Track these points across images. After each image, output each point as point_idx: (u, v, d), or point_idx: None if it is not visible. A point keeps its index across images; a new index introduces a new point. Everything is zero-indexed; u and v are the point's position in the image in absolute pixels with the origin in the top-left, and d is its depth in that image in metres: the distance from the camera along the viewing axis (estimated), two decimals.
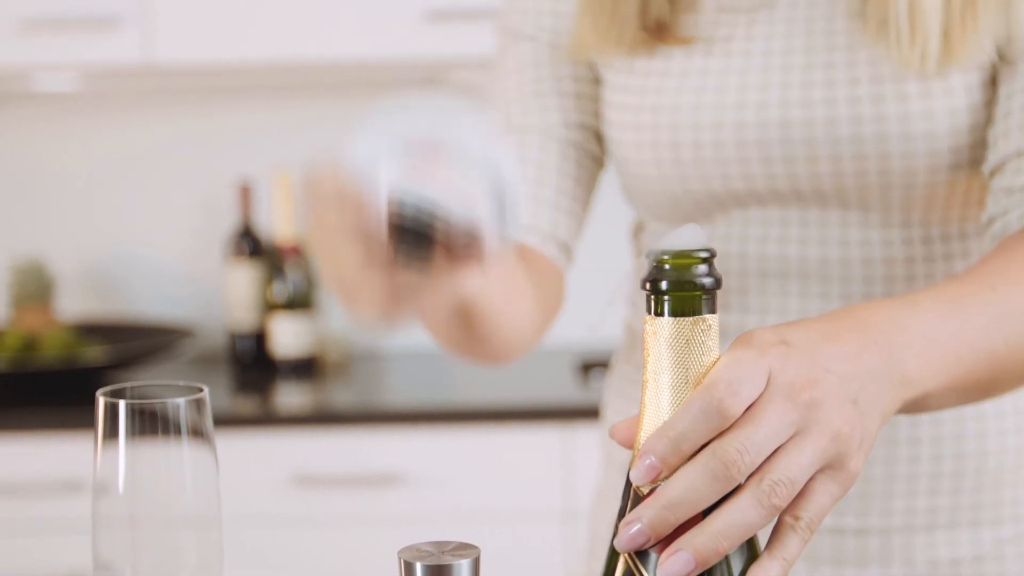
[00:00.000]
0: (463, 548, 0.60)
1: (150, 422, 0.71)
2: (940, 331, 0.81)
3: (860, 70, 0.99)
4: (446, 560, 0.58)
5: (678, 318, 0.68)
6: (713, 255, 0.69)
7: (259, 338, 2.58)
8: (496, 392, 2.38)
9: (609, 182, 1.16)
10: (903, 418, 1.03)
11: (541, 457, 2.23)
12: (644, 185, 1.06)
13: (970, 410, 1.04)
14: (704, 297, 0.69)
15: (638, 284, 1.12)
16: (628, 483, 0.70)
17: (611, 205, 1.32)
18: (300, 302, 2.53)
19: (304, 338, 2.53)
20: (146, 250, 2.71)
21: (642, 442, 0.69)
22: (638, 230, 1.15)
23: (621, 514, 0.69)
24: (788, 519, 0.71)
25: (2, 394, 2.39)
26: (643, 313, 1.11)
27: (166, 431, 0.71)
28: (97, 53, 2.38)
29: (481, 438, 2.24)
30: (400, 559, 0.59)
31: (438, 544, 0.60)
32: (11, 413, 2.29)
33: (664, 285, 0.69)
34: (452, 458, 2.25)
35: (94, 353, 2.42)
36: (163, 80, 2.66)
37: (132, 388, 0.72)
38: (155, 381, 0.73)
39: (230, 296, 2.59)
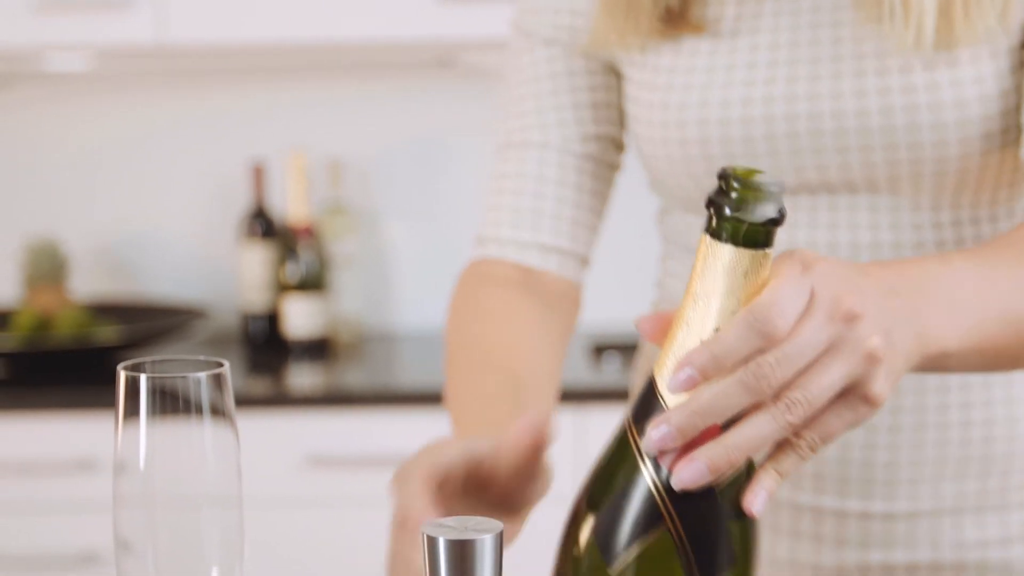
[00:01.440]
0: (486, 523, 0.60)
1: (171, 397, 0.71)
2: (967, 291, 0.82)
3: (867, 62, 0.99)
4: (469, 535, 0.58)
5: (739, 247, 0.68)
6: (783, 190, 0.69)
7: (272, 319, 2.58)
8: None
9: (628, 170, 1.16)
10: (931, 403, 1.03)
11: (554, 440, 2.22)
12: (667, 178, 1.07)
13: (1000, 394, 1.04)
14: (770, 232, 0.69)
15: (665, 268, 1.13)
16: (650, 383, 0.71)
17: (630, 191, 1.31)
18: (313, 283, 2.53)
19: (317, 319, 2.53)
20: (159, 230, 2.71)
21: (677, 352, 0.70)
22: (663, 215, 1.15)
23: (637, 413, 0.71)
24: (792, 437, 0.72)
25: (16, 373, 2.39)
26: (671, 296, 1.12)
27: (187, 407, 0.70)
28: (110, 33, 2.37)
29: None
30: (423, 534, 0.59)
31: (460, 519, 0.60)
32: (25, 392, 2.30)
33: (731, 212, 0.68)
34: None
35: (107, 333, 2.43)
36: (176, 60, 2.65)
37: (152, 363, 0.72)
38: (175, 356, 0.73)
39: (243, 277, 2.59)
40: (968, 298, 0.82)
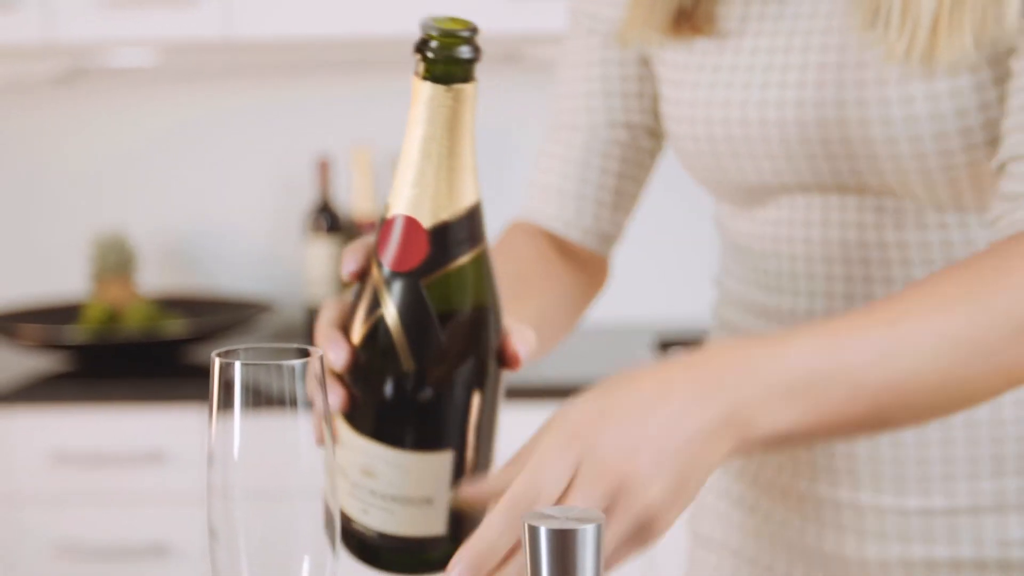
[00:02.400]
0: (587, 513, 0.59)
1: (264, 386, 0.71)
2: (805, 371, 0.82)
3: (847, 73, 0.99)
4: (570, 525, 0.58)
5: (436, 84, 0.79)
6: (475, 32, 0.78)
7: None
8: (575, 369, 2.37)
9: (675, 169, 1.16)
10: None
11: None
12: (693, 172, 1.09)
13: None
14: (465, 70, 0.79)
15: (723, 265, 1.14)
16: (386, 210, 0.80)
17: (698, 186, 1.30)
18: None
19: None
20: (225, 225, 2.73)
21: (400, 177, 0.79)
22: (716, 210, 1.15)
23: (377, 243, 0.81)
24: None
25: (84, 365, 2.41)
26: (728, 294, 1.13)
27: (281, 394, 0.70)
28: (177, 28, 2.39)
29: None
30: (524, 523, 0.58)
31: (562, 509, 0.59)
32: (93, 384, 2.32)
33: (431, 55, 0.78)
34: (529, 435, 2.24)
35: (174, 327, 2.44)
36: (242, 55, 2.67)
37: (245, 350, 0.71)
38: (267, 344, 0.73)
39: (308, 271, 2.60)
40: (807, 377, 0.82)
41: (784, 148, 1.02)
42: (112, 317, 2.50)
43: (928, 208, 1.01)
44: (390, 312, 0.78)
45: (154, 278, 2.72)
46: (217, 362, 0.71)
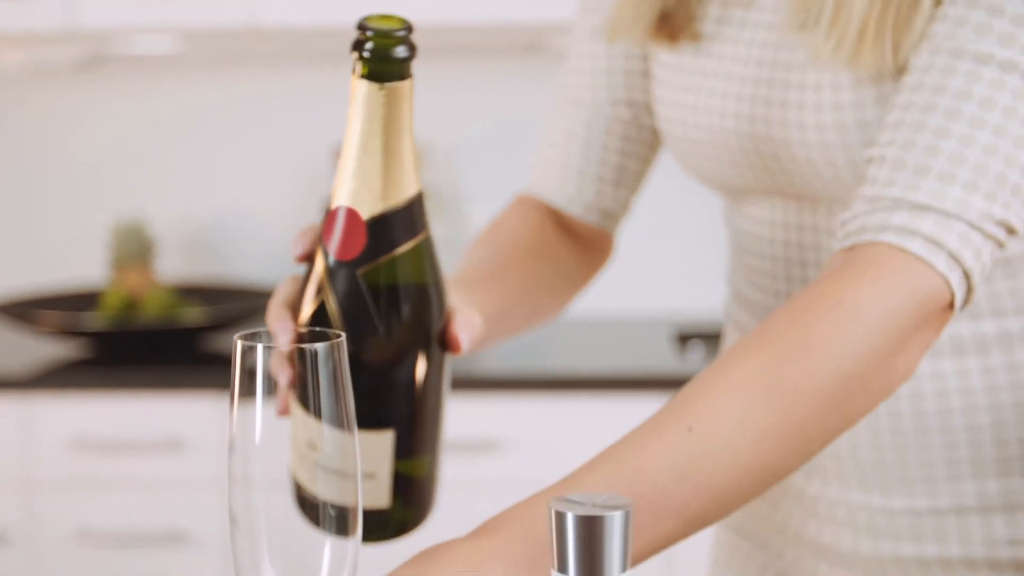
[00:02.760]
0: (614, 499, 0.58)
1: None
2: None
3: (790, 94, 0.99)
4: (598, 511, 0.57)
5: (371, 82, 0.80)
6: (410, 30, 0.80)
7: None
8: (593, 361, 2.37)
9: None
10: (930, 408, 1.02)
11: None
12: (685, 171, 1.11)
13: (1007, 398, 1.03)
14: (396, 70, 0.80)
15: (732, 261, 1.14)
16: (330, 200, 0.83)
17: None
18: None
19: None
20: (245, 213, 2.72)
21: (343, 173, 0.81)
22: (724, 208, 1.16)
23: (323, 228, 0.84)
24: None
25: (103, 352, 2.41)
26: (737, 291, 1.13)
27: (303, 379, 0.69)
28: (199, 15, 2.38)
29: (577, 406, 2.23)
30: (551, 509, 0.57)
31: (588, 495, 0.59)
32: (112, 371, 2.32)
33: (366, 55, 0.80)
34: (548, 426, 2.24)
35: (193, 314, 2.44)
36: (264, 43, 2.66)
37: (267, 333, 0.71)
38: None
39: None
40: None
41: (731, 155, 1.03)
42: (131, 304, 2.50)
43: None
44: (330, 299, 0.81)
45: (173, 265, 2.72)
46: (239, 345, 0.70)
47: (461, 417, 2.25)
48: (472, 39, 2.61)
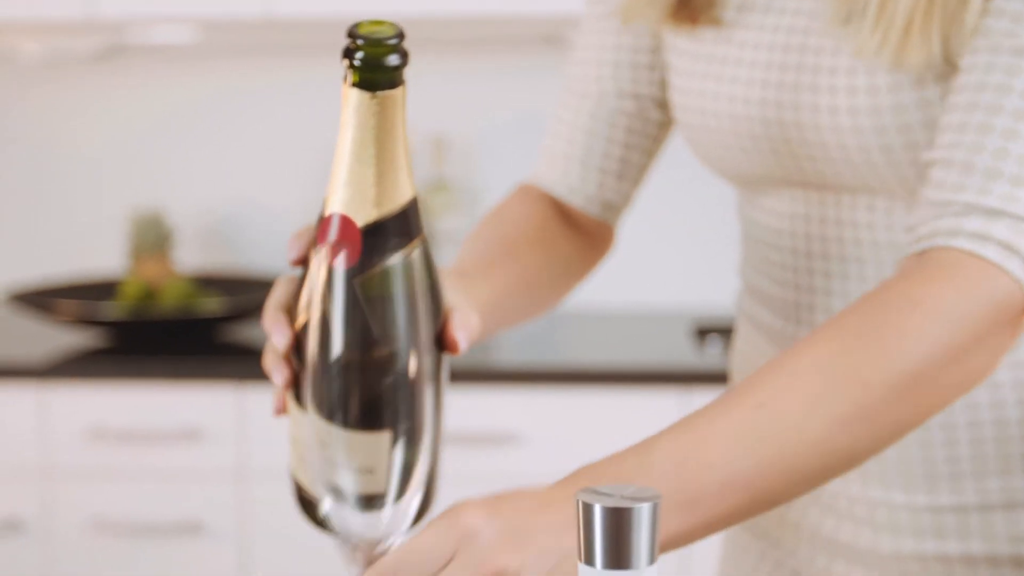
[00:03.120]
0: (641, 491, 0.58)
1: None
2: (674, 482, 0.80)
3: (821, 78, 0.98)
4: (626, 503, 0.56)
5: (363, 91, 0.79)
6: (401, 37, 0.78)
7: None
8: (611, 354, 2.36)
9: None
10: (957, 404, 1.01)
11: (656, 421, 2.20)
12: (700, 161, 1.10)
13: None
14: (388, 78, 0.79)
15: (743, 254, 1.13)
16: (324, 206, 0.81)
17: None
18: None
19: None
20: (263, 203, 2.72)
21: (335, 179, 0.80)
22: (737, 202, 1.15)
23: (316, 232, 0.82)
24: None
25: (121, 342, 2.41)
26: (748, 283, 1.12)
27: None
28: (218, 6, 2.38)
29: (595, 400, 2.22)
30: (578, 500, 0.57)
31: (616, 487, 0.58)
32: (129, 361, 2.32)
33: (357, 63, 0.78)
34: (564, 419, 2.23)
35: (211, 304, 2.44)
36: (282, 34, 2.66)
37: None
38: None
39: None
40: (676, 483, 0.80)
41: (754, 143, 1.02)
42: (149, 294, 2.50)
43: (898, 208, 1.00)
44: (327, 306, 0.81)
45: (191, 256, 2.72)
46: None
47: (477, 410, 2.24)
48: (490, 31, 2.60)
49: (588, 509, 0.57)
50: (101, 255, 2.74)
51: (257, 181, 2.73)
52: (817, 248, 1.04)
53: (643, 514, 0.57)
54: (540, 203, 1.13)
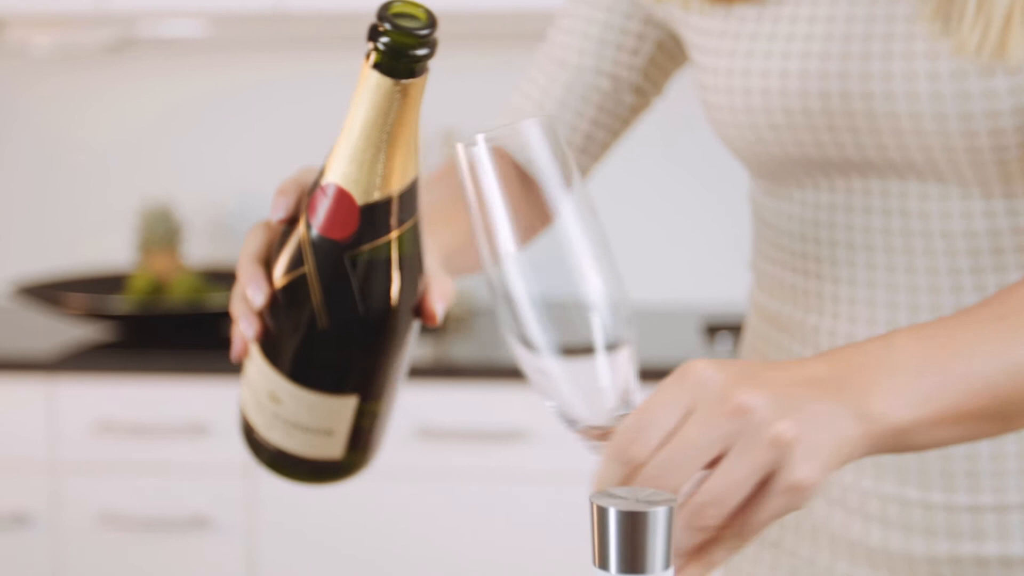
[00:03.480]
0: (657, 495, 0.57)
1: None
2: (913, 364, 0.78)
3: (896, 44, 0.96)
4: (641, 507, 0.55)
5: (383, 75, 0.77)
6: (433, 27, 0.76)
7: None
8: None
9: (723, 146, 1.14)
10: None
11: None
12: (729, 144, 1.07)
13: None
14: (412, 67, 0.77)
15: (756, 247, 1.12)
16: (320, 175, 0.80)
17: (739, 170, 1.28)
18: None
19: None
20: (271, 198, 2.72)
21: (336, 152, 0.79)
22: (753, 192, 1.13)
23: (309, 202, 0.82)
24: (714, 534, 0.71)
25: (129, 336, 2.41)
26: (762, 274, 1.11)
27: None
28: (229, 0, 2.38)
29: None
30: (592, 504, 0.56)
31: (631, 490, 0.57)
32: (137, 355, 2.31)
33: (382, 47, 0.76)
34: None
35: (219, 299, 2.43)
36: (292, 26, 2.65)
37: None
38: None
39: None
40: (916, 370, 0.78)
41: (805, 119, 0.99)
42: (157, 288, 2.50)
43: (954, 195, 0.98)
44: (312, 274, 0.80)
45: (200, 250, 2.71)
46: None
47: (486, 406, 2.24)
48: (500, 26, 2.59)
49: (602, 512, 0.56)
50: (109, 248, 2.73)
51: (266, 175, 2.72)
52: (859, 239, 1.02)
53: (659, 518, 0.56)
54: (501, 160, 1.14)
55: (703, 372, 0.71)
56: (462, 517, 2.25)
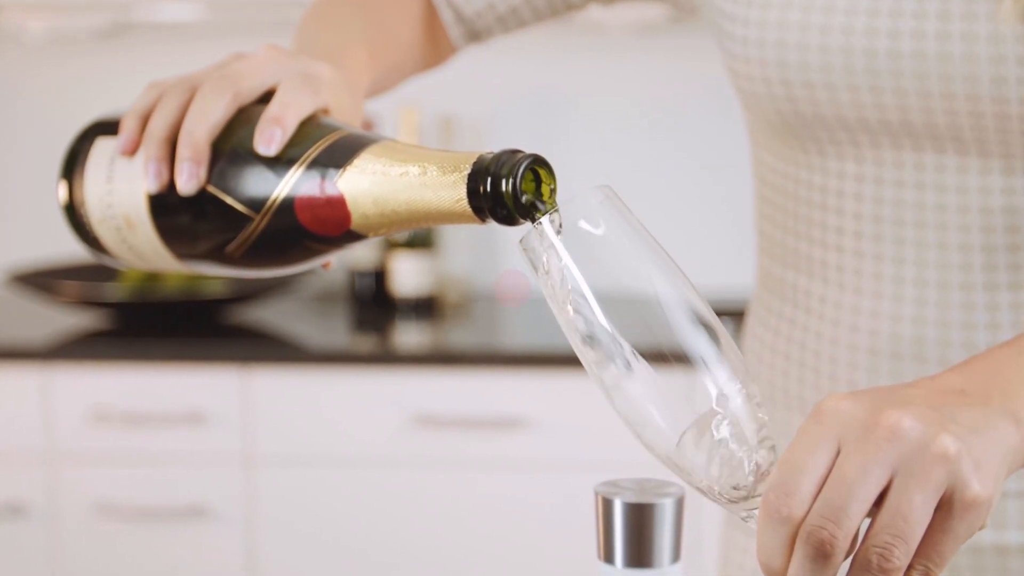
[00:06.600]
0: (664, 486, 0.55)
1: None
2: None
3: (953, 4, 0.92)
4: (648, 499, 0.53)
5: (471, 213, 0.72)
6: (553, 209, 0.71)
7: (379, 276, 2.55)
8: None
9: (731, 134, 1.10)
10: None
11: None
12: (753, 101, 1.01)
13: None
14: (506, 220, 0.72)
15: (759, 210, 1.08)
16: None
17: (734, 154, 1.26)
18: (421, 241, 2.50)
19: (424, 277, 2.49)
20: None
21: (350, 166, 0.76)
22: (758, 166, 1.09)
23: None
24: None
25: (124, 323, 2.39)
26: (768, 237, 1.06)
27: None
28: None
29: None
30: (598, 495, 0.54)
31: (638, 481, 0.55)
32: (132, 343, 2.29)
33: (476, 201, 0.71)
34: (573, 404, 2.20)
35: (214, 286, 2.41)
36: (290, 11, 2.63)
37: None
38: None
39: None
40: None
41: (846, 78, 0.95)
42: (152, 276, 2.48)
43: (995, 169, 0.94)
44: (258, 232, 0.79)
45: None
46: None
47: (487, 394, 2.22)
48: None
49: (608, 504, 0.54)
50: None
51: None
52: (888, 213, 0.98)
53: (667, 510, 0.53)
54: (418, 4, 1.14)
55: (839, 405, 0.66)
56: (461, 506, 2.23)
